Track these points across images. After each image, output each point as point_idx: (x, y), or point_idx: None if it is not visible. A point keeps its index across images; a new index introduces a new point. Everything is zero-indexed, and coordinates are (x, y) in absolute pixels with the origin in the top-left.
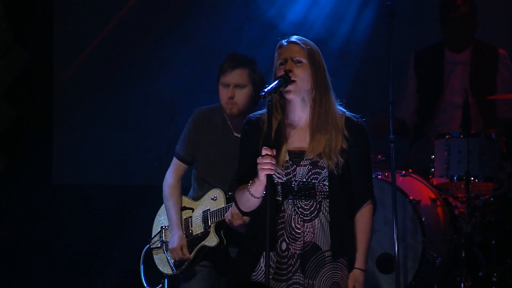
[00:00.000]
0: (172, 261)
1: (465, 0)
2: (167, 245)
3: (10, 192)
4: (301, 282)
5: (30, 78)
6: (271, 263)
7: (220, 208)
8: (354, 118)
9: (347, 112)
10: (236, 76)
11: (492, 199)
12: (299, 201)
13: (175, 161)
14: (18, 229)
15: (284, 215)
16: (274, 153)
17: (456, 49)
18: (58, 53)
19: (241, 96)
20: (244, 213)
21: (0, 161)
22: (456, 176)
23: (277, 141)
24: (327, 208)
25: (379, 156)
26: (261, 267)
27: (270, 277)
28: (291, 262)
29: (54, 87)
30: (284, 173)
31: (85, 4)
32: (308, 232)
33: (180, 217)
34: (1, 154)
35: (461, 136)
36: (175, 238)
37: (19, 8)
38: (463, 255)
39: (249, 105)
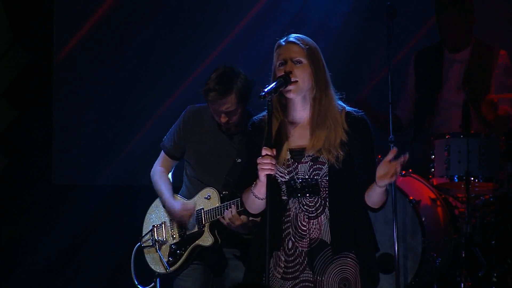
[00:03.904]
0: (166, 260)
1: (456, 1)
2: (160, 244)
3: (10, 192)
4: (310, 279)
5: (30, 78)
6: (279, 262)
7: (214, 208)
8: (354, 112)
9: (347, 107)
10: (225, 104)
11: (492, 199)
12: (303, 199)
13: (162, 155)
14: (18, 229)
15: (290, 214)
16: (274, 153)
17: (453, 49)
18: (58, 53)
19: (235, 117)
20: (253, 215)
21: (0, 161)
22: (456, 176)
23: (279, 140)
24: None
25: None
26: (271, 267)
27: (279, 276)
28: (299, 260)
29: (54, 87)
30: (286, 171)
31: (85, 4)
32: (314, 229)
33: (172, 194)
34: (1, 154)
35: (461, 136)
36: (176, 206)
37: (19, 8)
38: (463, 255)
39: (244, 117)
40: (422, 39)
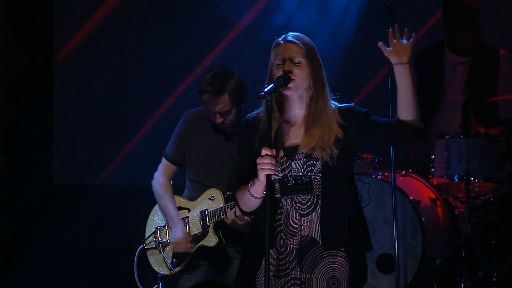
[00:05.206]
0: (170, 261)
1: (468, 7)
2: (164, 246)
3: (10, 192)
4: (298, 277)
5: (30, 78)
6: (271, 260)
7: (219, 208)
8: (344, 106)
9: (338, 105)
10: (219, 105)
11: (492, 199)
12: (296, 196)
13: (164, 162)
14: (18, 229)
15: (282, 212)
16: (274, 153)
17: (460, 53)
18: (58, 53)
19: (230, 117)
20: (245, 213)
21: (0, 161)
22: (456, 176)
23: (274, 138)
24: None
25: (379, 156)
26: (262, 264)
27: (271, 274)
28: (289, 258)
29: (54, 87)
30: (280, 169)
31: (85, 4)
32: (305, 226)
33: (177, 212)
34: (1, 154)
35: (461, 136)
36: (178, 231)
37: (19, 8)
38: (463, 255)
39: (240, 117)
40: (422, 39)
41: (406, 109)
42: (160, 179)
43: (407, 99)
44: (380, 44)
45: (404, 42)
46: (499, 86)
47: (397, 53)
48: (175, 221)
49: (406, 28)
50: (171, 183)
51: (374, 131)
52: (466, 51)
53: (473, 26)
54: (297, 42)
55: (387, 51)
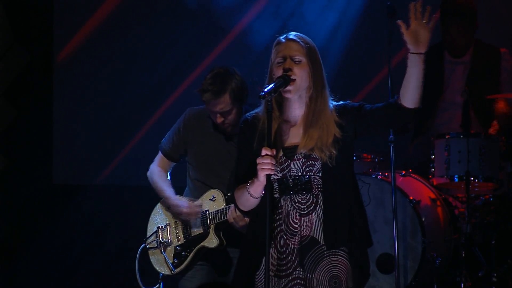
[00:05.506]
0: (171, 261)
1: (464, 9)
2: (165, 246)
3: (10, 192)
4: (301, 277)
5: (30, 78)
6: (272, 260)
7: (220, 209)
8: (339, 104)
9: (335, 103)
10: (219, 105)
11: (492, 199)
12: (296, 196)
13: (159, 155)
14: (18, 229)
15: (282, 211)
16: (274, 153)
17: (456, 55)
18: (58, 53)
19: (231, 117)
20: (243, 212)
21: (0, 161)
22: (456, 176)
23: (273, 138)
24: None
25: (379, 156)
26: (262, 264)
27: (272, 274)
28: (291, 258)
29: (54, 87)
30: (279, 169)
31: (84, 4)
32: (305, 226)
33: (174, 192)
34: (1, 154)
35: (461, 136)
36: (183, 203)
37: (19, 8)
38: (463, 255)
39: (241, 117)
40: None
41: (411, 96)
42: (155, 169)
43: (414, 87)
44: (400, 21)
45: (424, 23)
46: (502, 84)
47: (416, 41)
48: (175, 200)
49: (428, 6)
50: (168, 175)
51: (373, 119)
52: (461, 52)
53: (468, 27)
54: (298, 40)
55: (406, 31)
